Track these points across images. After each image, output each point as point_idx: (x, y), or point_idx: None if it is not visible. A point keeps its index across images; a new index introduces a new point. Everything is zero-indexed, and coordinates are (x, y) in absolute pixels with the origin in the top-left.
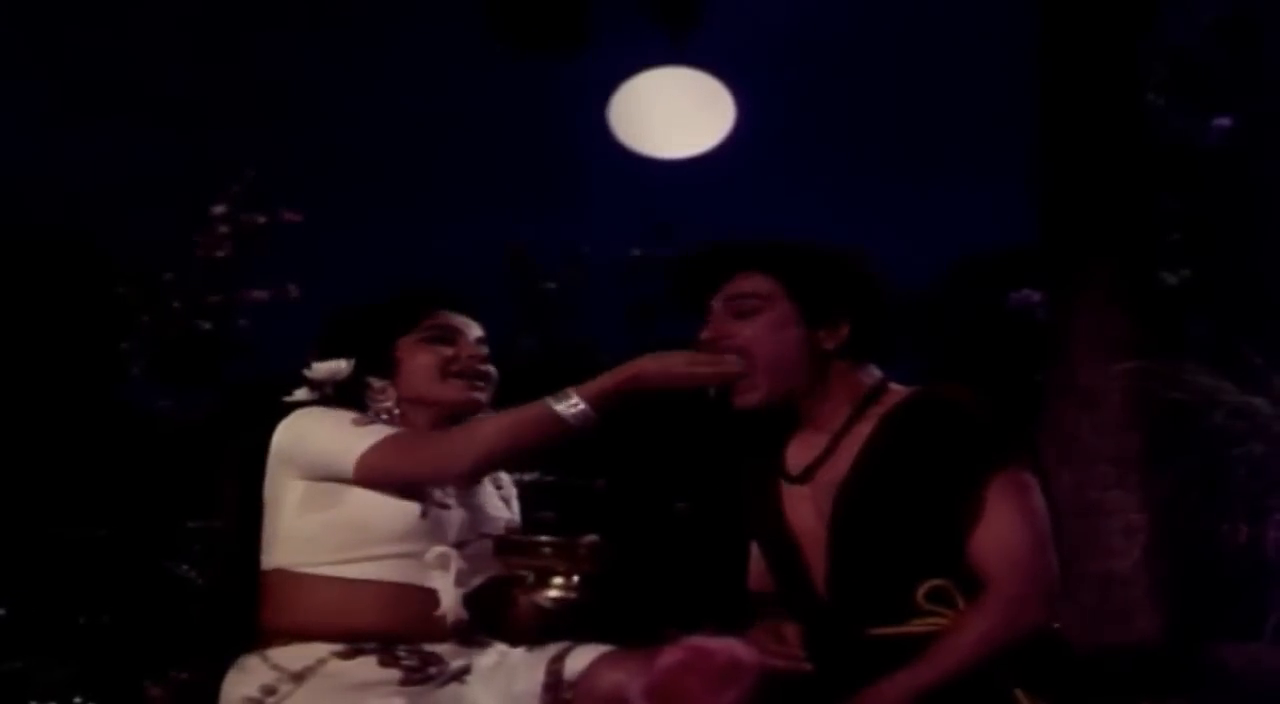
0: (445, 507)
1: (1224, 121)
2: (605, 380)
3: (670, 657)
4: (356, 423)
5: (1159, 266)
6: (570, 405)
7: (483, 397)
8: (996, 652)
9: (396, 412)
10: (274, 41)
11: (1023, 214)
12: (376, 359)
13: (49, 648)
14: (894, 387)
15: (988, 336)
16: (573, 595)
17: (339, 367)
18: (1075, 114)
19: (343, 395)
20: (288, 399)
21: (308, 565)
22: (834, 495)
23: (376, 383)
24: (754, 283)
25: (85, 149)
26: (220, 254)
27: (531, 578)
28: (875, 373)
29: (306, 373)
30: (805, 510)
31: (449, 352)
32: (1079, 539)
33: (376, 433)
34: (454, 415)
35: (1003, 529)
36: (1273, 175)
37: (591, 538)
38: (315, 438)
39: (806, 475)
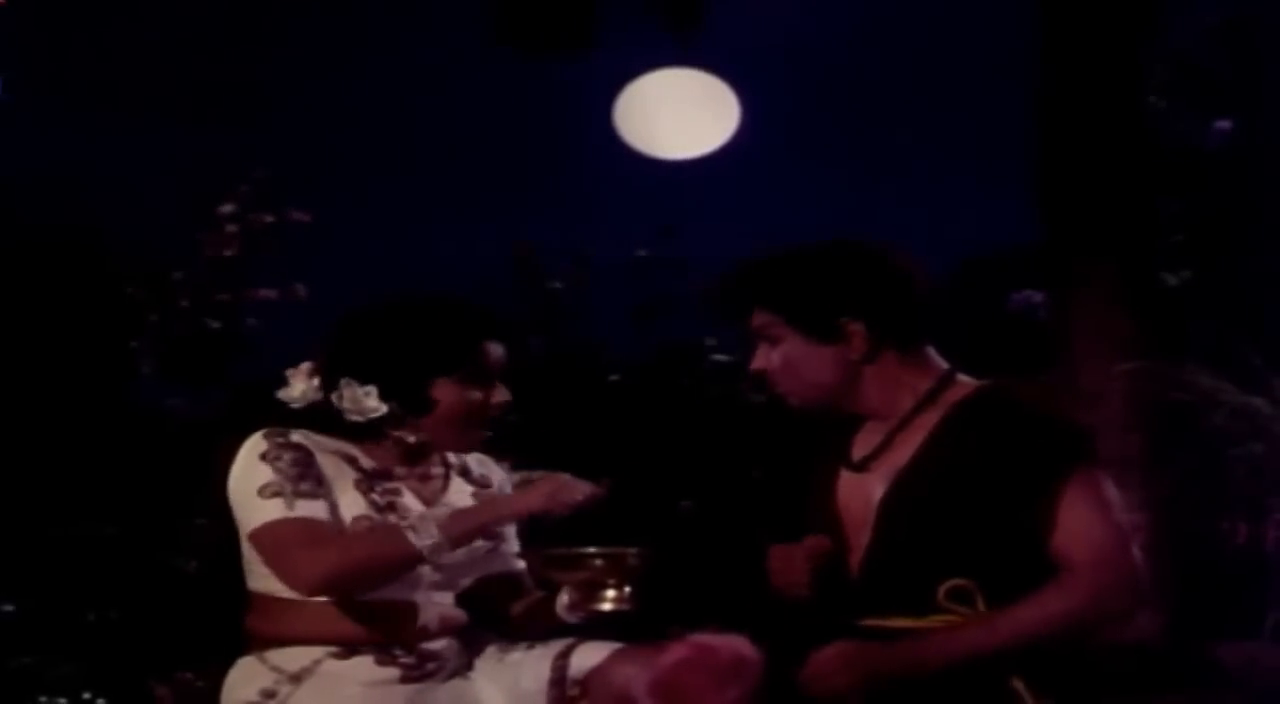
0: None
1: (1225, 124)
2: (472, 519)
3: (675, 654)
4: (262, 492)
5: (1160, 268)
6: (428, 539)
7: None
8: (1076, 634)
9: (413, 440)
10: (283, 41)
11: (1025, 215)
12: (413, 399)
13: (58, 644)
14: (961, 379)
15: (989, 337)
16: (626, 606)
17: (367, 408)
18: (1077, 116)
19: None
20: (279, 394)
21: (282, 591)
22: (889, 482)
23: (409, 421)
24: (760, 318)
25: (92, 148)
26: (228, 253)
27: (578, 591)
28: (938, 363)
29: (280, 394)
30: (858, 496)
31: (482, 396)
32: None
33: (270, 511)
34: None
35: (1085, 523)
36: (1273, 177)
37: (637, 549)
38: (232, 490)
39: (864, 464)
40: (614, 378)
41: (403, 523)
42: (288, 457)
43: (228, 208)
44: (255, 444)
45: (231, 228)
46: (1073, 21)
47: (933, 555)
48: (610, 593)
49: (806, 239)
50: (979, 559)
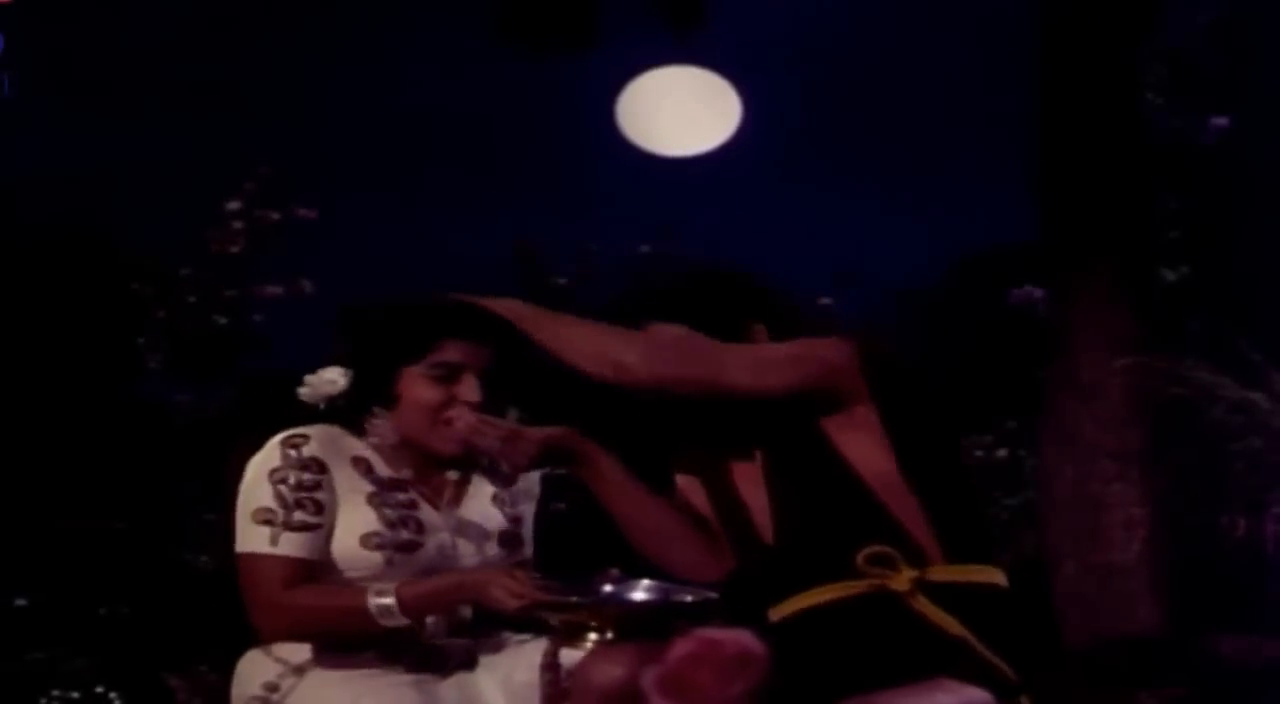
0: (417, 545)
1: (1222, 121)
2: (436, 592)
3: (681, 648)
4: (255, 515)
5: (1159, 263)
6: (384, 604)
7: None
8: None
9: (393, 440)
10: (287, 39)
11: (1024, 212)
12: (378, 388)
13: (70, 638)
14: None
15: (990, 333)
16: None
17: (328, 383)
18: (1076, 113)
19: (341, 410)
20: (299, 391)
21: None
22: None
23: (377, 412)
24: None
25: (100, 146)
26: (235, 250)
27: (563, 629)
28: None
29: (300, 392)
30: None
31: (448, 393)
32: (1080, 532)
33: (255, 540)
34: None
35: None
36: (1269, 173)
37: (620, 602)
38: (239, 494)
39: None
40: None
41: (418, 537)
42: (294, 478)
43: (234, 205)
44: (270, 454)
45: (238, 225)
46: (1071, 20)
47: (828, 524)
48: (593, 636)
49: (807, 235)
50: (878, 525)
